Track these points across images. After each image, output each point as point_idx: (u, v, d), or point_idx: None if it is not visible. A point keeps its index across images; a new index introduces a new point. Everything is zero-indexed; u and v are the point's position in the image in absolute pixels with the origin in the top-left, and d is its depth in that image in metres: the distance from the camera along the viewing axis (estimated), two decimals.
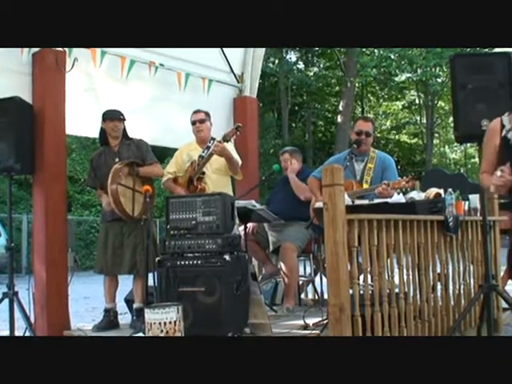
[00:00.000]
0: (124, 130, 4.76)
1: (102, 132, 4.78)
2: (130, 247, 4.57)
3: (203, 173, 4.85)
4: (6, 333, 4.40)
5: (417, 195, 4.27)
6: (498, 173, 2.62)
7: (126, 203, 4.52)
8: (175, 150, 5.36)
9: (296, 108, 27.21)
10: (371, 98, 29.91)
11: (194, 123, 5.03)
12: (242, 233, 4.81)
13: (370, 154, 4.70)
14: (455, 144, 28.53)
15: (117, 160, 4.63)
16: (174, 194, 4.92)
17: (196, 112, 5.08)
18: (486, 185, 2.91)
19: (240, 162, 5.01)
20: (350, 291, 3.44)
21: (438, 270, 4.23)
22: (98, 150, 4.96)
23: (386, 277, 3.76)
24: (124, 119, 4.72)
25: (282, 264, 5.12)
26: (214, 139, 4.78)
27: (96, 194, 5.25)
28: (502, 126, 2.87)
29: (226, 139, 4.66)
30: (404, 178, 4.27)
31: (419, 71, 22.96)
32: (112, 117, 4.67)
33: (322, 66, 27.26)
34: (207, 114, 5.09)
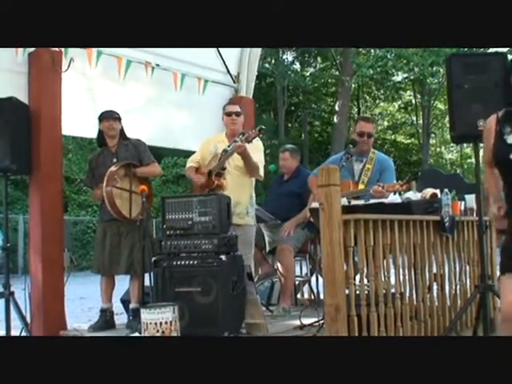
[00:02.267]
0: (121, 130, 4.77)
1: (100, 134, 4.79)
2: (128, 247, 4.57)
3: (224, 168, 4.58)
4: (2, 333, 4.39)
5: (413, 195, 4.27)
6: (495, 213, 2.79)
7: (122, 205, 4.51)
8: (172, 150, 5.32)
9: (292, 108, 27.20)
10: (367, 98, 29.92)
11: (229, 114, 4.77)
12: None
13: (369, 155, 4.70)
14: (451, 144, 28.55)
15: (115, 160, 4.63)
16: (193, 182, 4.77)
17: (232, 103, 4.91)
18: (486, 186, 3.00)
19: (260, 165, 4.68)
20: (346, 291, 3.45)
21: (434, 270, 4.25)
22: (96, 151, 4.97)
23: (382, 277, 3.76)
24: (119, 118, 4.73)
25: (279, 264, 5.12)
26: (243, 134, 4.52)
27: (93, 194, 5.23)
28: (498, 121, 2.87)
29: (248, 140, 4.39)
30: (399, 181, 4.27)
31: (416, 70, 22.93)
32: (107, 116, 4.68)
33: (318, 66, 27.25)
34: (241, 107, 4.93)
